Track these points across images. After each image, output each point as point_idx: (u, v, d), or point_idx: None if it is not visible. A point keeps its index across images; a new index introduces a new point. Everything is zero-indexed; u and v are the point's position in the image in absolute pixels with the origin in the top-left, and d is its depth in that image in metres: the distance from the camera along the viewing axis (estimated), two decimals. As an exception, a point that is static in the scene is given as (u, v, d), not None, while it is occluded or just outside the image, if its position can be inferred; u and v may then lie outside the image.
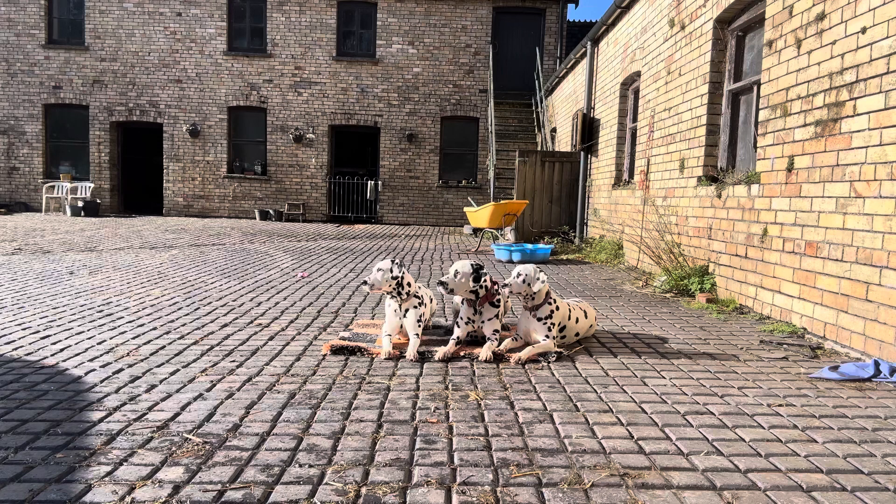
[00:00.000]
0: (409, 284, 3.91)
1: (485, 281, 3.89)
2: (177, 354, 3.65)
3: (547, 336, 3.83)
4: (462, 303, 3.99)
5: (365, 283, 3.80)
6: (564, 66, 14.49)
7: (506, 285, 3.85)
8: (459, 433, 2.54)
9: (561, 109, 15.92)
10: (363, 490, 2.04)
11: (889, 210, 3.76)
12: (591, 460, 2.31)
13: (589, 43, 11.82)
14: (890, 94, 3.77)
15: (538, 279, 3.84)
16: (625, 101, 10.15)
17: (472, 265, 3.87)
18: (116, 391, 2.97)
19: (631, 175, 9.86)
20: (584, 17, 46.99)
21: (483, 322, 3.94)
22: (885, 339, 3.71)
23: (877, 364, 3.54)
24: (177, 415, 2.67)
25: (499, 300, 4.00)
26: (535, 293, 3.84)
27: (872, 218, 3.89)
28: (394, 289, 3.86)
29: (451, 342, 3.83)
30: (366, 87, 19.06)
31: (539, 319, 3.87)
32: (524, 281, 3.83)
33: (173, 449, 2.33)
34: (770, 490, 2.11)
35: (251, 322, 4.59)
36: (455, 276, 3.83)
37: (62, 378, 3.15)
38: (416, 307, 3.90)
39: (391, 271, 3.83)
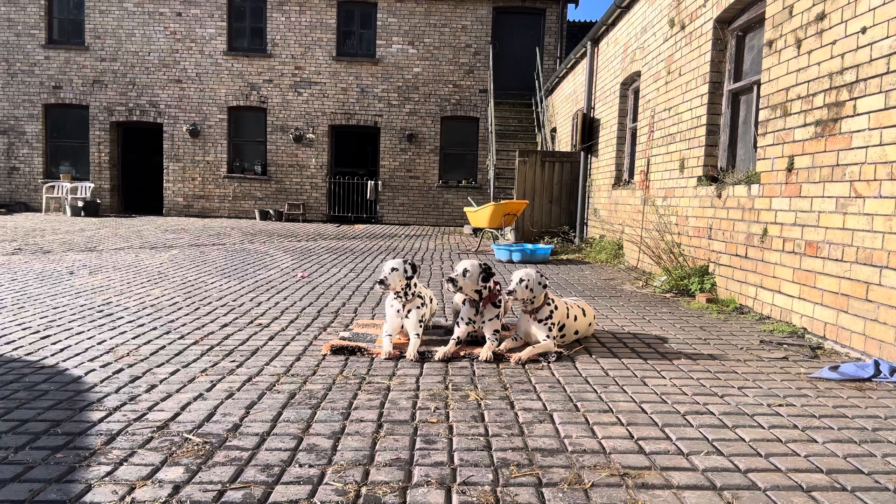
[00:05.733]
0: (415, 285, 3.93)
1: (493, 281, 3.91)
2: (177, 354, 3.65)
3: (547, 336, 3.83)
4: (463, 303, 3.99)
5: (381, 282, 3.80)
6: (564, 66, 14.49)
7: (510, 292, 3.84)
8: (459, 433, 2.54)
9: (561, 109, 15.92)
10: (363, 490, 2.04)
11: (889, 210, 3.76)
12: (591, 460, 2.31)
13: (589, 43, 11.82)
14: (890, 94, 3.77)
15: (540, 284, 3.85)
16: (625, 101, 10.15)
17: (480, 264, 3.88)
18: (116, 391, 2.97)
19: (631, 175, 9.86)
20: (584, 17, 47.01)
21: (484, 322, 3.95)
22: (885, 339, 3.71)
23: (877, 364, 3.54)
24: (177, 415, 2.67)
25: (500, 301, 4.00)
26: (535, 297, 3.85)
27: (872, 218, 3.89)
28: (402, 289, 3.87)
29: (452, 342, 3.83)
30: (366, 87, 19.06)
31: (539, 321, 3.87)
32: (527, 286, 3.84)
33: (173, 449, 2.32)
34: (770, 490, 2.11)
35: (251, 322, 4.59)
36: (464, 274, 3.83)
37: (62, 378, 3.15)
38: (418, 307, 3.90)
39: (405, 272, 3.85)
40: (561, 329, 3.98)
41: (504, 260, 9.31)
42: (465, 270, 3.84)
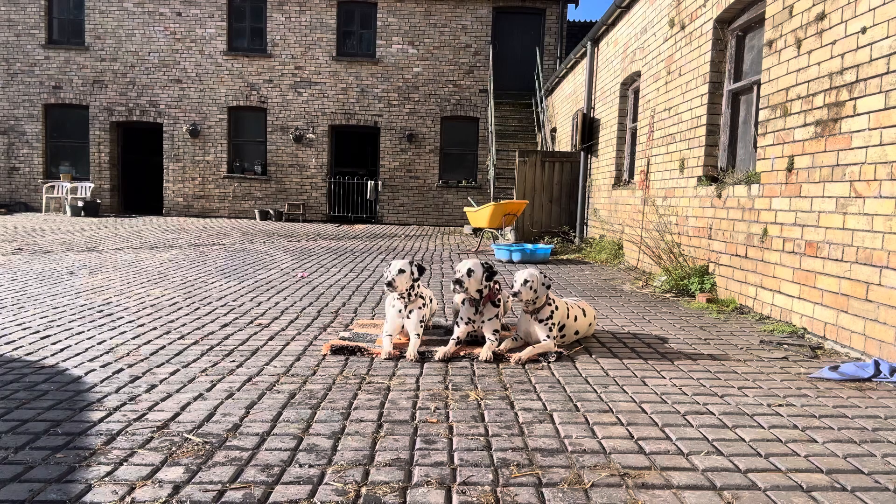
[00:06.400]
0: (418, 286, 3.93)
1: (496, 280, 3.92)
2: (177, 354, 3.65)
3: (548, 336, 3.83)
4: (462, 302, 3.99)
5: (389, 284, 3.80)
6: (564, 66, 14.49)
7: (515, 294, 3.84)
8: (459, 433, 2.54)
9: (561, 109, 15.92)
10: (363, 490, 2.04)
11: (889, 210, 3.76)
12: (591, 460, 2.31)
13: (589, 43, 11.82)
14: (890, 94, 3.77)
15: (543, 284, 3.86)
16: (625, 101, 10.15)
17: (483, 264, 3.89)
18: (116, 391, 2.97)
19: (631, 175, 9.86)
20: (584, 17, 46.99)
21: (483, 322, 3.95)
22: (885, 339, 3.71)
23: (877, 364, 3.54)
24: (177, 415, 2.67)
25: (499, 300, 4.01)
26: (537, 297, 3.86)
27: (872, 218, 3.89)
28: (406, 290, 3.87)
29: (452, 342, 3.84)
30: (366, 87, 19.06)
31: (540, 321, 3.87)
32: (531, 287, 3.83)
33: (173, 449, 2.32)
34: (770, 490, 2.11)
35: (251, 322, 4.59)
36: (469, 274, 3.82)
37: (62, 378, 3.15)
38: (420, 308, 3.90)
39: (412, 274, 3.86)
40: (561, 329, 3.99)
41: (504, 260, 9.31)
42: (471, 270, 3.83)
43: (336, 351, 3.74)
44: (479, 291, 3.90)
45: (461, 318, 3.97)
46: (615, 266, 8.84)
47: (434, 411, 2.79)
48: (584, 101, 12.33)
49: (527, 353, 3.69)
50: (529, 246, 9.67)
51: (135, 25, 18.80)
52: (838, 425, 2.73)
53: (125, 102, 19.01)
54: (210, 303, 5.29)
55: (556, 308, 3.93)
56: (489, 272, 3.87)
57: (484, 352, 3.70)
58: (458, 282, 3.80)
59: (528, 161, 12.32)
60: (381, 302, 5.53)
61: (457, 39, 18.99)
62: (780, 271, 4.94)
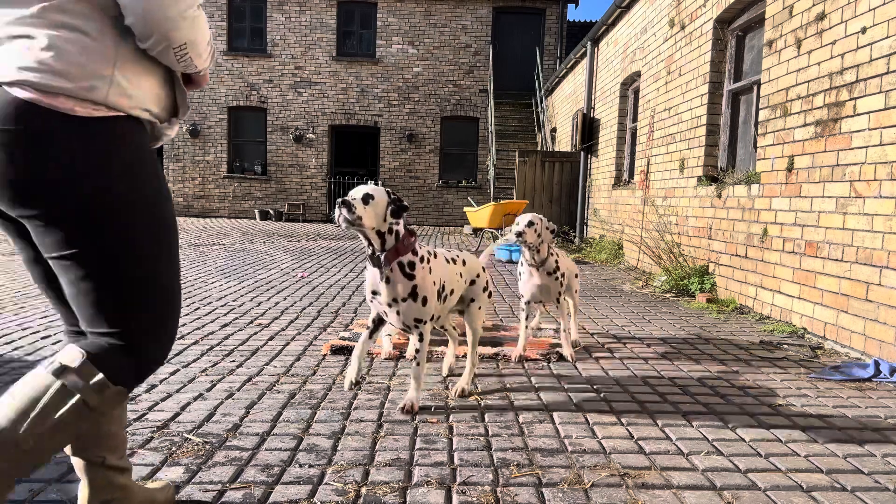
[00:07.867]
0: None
1: (406, 218, 2.61)
2: (177, 354, 3.64)
3: (560, 292, 3.70)
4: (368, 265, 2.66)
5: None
6: (564, 66, 14.49)
7: (519, 234, 3.40)
8: (459, 433, 2.54)
9: (561, 109, 15.93)
10: (363, 490, 2.04)
11: (889, 210, 3.76)
12: (591, 460, 2.31)
13: (589, 43, 11.82)
14: (890, 94, 3.77)
15: (548, 229, 3.58)
16: (625, 101, 10.15)
17: (388, 192, 2.55)
18: (116, 391, 2.96)
19: (631, 175, 9.86)
20: (584, 17, 47.00)
21: (398, 301, 2.62)
22: (885, 339, 3.71)
23: (877, 364, 3.55)
24: (177, 415, 2.67)
25: (413, 270, 2.60)
26: (542, 242, 3.58)
27: (872, 218, 3.89)
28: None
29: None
30: (366, 87, 19.06)
31: (549, 274, 3.64)
32: (536, 231, 3.51)
33: (173, 449, 2.32)
34: (770, 490, 2.11)
35: (251, 322, 4.59)
36: (366, 202, 2.45)
37: (62, 378, 3.14)
38: None
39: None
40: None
41: (504, 260, 9.31)
42: (368, 195, 2.46)
43: (336, 351, 3.74)
44: (380, 234, 2.53)
45: (368, 292, 2.71)
46: (615, 266, 8.84)
47: (434, 411, 2.79)
48: (584, 101, 12.33)
49: (567, 349, 3.71)
50: (529, 246, 9.66)
51: (135, 25, 18.79)
52: (838, 425, 2.73)
53: (125, 102, 18.99)
54: (210, 303, 5.29)
55: (558, 256, 3.73)
56: (397, 206, 2.53)
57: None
58: (346, 205, 2.40)
59: (528, 161, 12.32)
60: (381, 302, 5.52)
61: (457, 39, 18.99)
62: (780, 271, 4.94)
